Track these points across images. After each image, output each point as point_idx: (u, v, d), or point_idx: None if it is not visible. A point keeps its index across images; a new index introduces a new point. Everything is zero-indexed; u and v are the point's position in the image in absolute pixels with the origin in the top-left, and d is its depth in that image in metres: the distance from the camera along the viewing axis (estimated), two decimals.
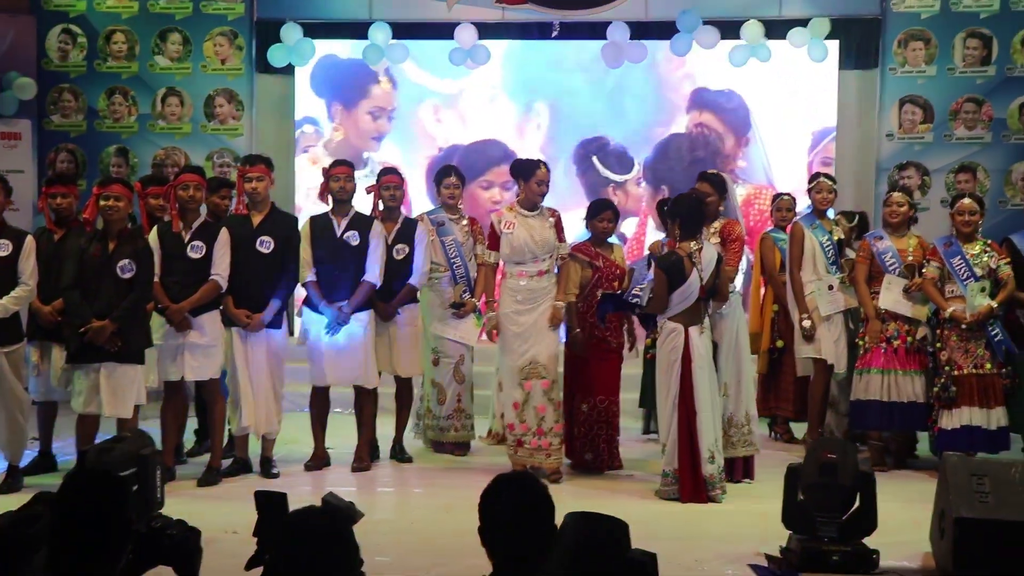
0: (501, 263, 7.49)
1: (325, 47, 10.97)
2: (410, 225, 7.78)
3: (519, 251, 7.21)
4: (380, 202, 7.77)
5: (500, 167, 10.72)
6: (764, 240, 8.56)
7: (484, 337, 7.66)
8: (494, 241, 7.27)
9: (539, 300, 7.19)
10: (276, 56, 10.68)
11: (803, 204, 8.69)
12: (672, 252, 6.62)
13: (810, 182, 8.20)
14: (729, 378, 6.99)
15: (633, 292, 6.97)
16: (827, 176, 8.22)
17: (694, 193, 7.13)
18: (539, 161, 7.38)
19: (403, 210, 7.89)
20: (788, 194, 9.05)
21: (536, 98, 11.01)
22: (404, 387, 7.92)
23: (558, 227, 7.29)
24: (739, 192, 10.13)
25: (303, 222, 7.66)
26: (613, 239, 7.82)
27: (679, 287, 6.55)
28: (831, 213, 8.22)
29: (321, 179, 7.65)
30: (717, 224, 7.14)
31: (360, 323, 7.47)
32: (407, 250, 7.67)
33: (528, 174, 7.22)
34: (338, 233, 7.46)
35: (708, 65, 10.88)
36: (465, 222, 8.03)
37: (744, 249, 7.25)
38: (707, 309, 6.74)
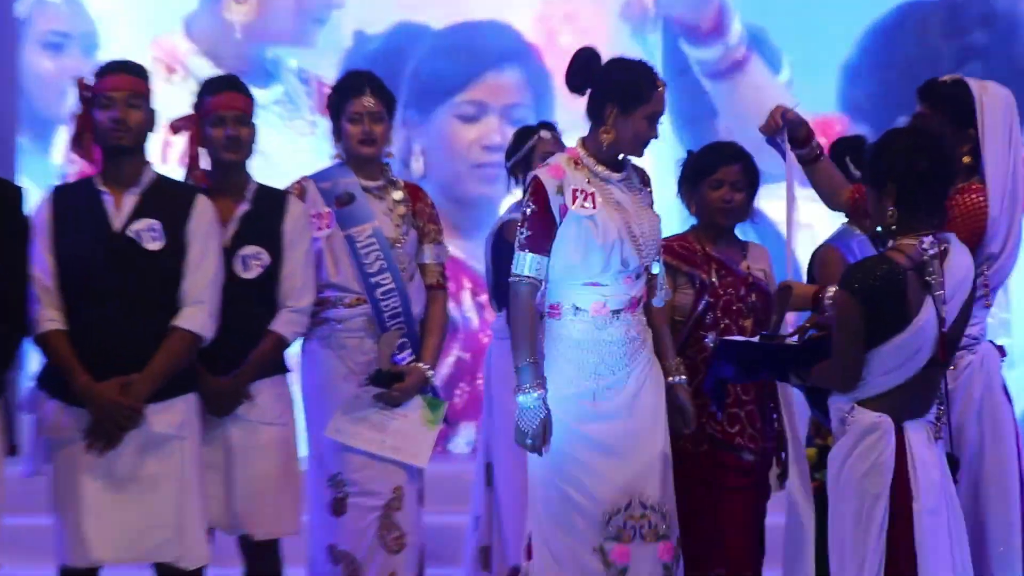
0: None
1: None
2: (274, 203, 4.30)
3: (607, 254, 3.84)
4: (206, 152, 4.36)
5: (502, 71, 7.19)
6: None
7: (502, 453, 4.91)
8: (542, 231, 3.84)
9: (633, 363, 3.93)
10: None
11: None
12: (881, 256, 3.94)
13: None
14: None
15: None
16: None
17: (918, 122, 4.16)
18: (652, 69, 3.99)
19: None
20: None
21: None
22: (261, 558, 4.52)
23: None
24: None
25: (35, 200, 4.24)
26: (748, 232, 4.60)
27: (895, 335, 3.81)
28: None
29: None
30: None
31: (167, 425, 4.12)
32: (267, 258, 4.21)
33: (635, 96, 3.85)
34: (115, 225, 4.12)
35: None
36: (399, 195, 4.51)
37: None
38: (945, 385, 4.03)
